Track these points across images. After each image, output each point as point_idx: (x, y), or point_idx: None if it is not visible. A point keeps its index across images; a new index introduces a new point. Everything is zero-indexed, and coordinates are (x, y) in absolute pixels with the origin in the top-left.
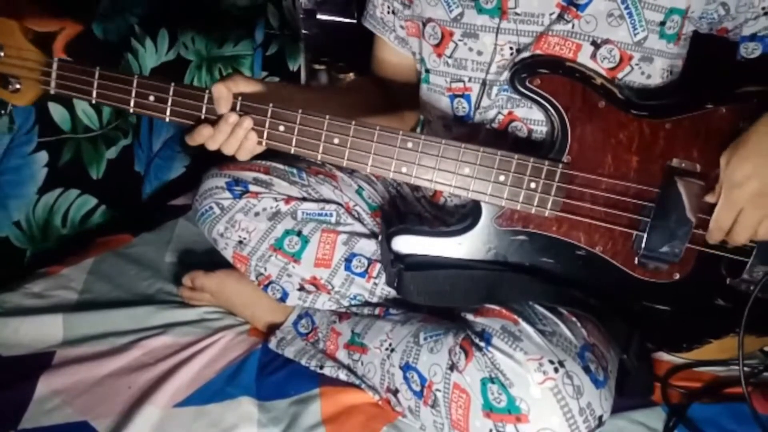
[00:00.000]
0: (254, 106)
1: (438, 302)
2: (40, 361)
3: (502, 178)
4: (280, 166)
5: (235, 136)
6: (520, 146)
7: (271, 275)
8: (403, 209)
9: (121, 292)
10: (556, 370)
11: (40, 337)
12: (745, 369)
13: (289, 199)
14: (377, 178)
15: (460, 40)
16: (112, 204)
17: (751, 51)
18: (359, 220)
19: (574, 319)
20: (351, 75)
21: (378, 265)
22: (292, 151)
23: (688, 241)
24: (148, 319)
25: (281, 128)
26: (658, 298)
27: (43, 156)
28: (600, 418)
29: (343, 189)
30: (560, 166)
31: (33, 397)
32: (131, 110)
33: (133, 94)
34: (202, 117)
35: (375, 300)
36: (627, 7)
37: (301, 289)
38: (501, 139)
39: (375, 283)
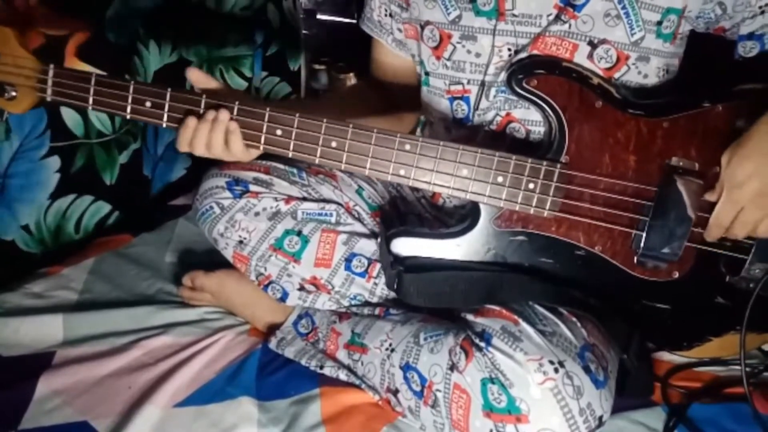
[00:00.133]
0: (251, 110)
1: (438, 304)
2: (40, 361)
3: (500, 179)
4: (281, 166)
5: (216, 131)
6: (518, 147)
7: (271, 275)
8: (404, 209)
9: (121, 292)
10: (556, 370)
11: (40, 337)
12: (747, 369)
13: (289, 198)
14: (377, 179)
15: (458, 43)
16: (124, 209)
17: (748, 50)
18: (359, 220)
19: (574, 319)
20: (351, 75)
21: (378, 265)
22: (290, 155)
23: (687, 239)
24: (148, 319)
25: (278, 132)
26: (657, 296)
27: (55, 161)
28: (600, 418)
29: (343, 189)
30: (558, 166)
31: (33, 397)
32: (128, 116)
33: (130, 101)
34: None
35: (375, 300)
36: (624, 7)
37: (301, 289)
38: (499, 140)
39: (375, 283)
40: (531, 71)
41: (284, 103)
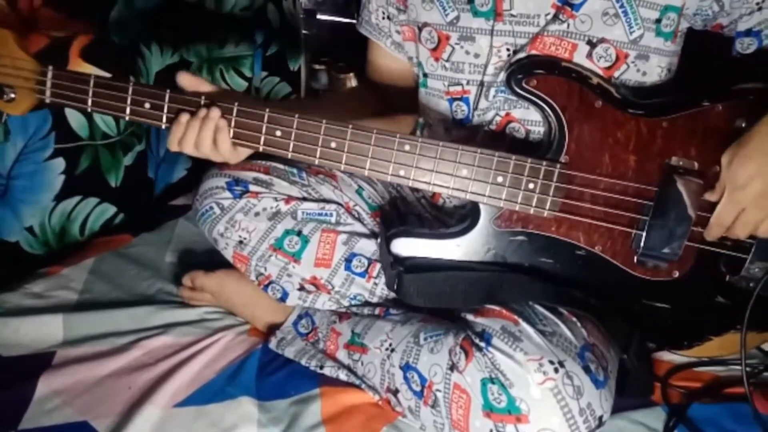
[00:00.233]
0: (251, 111)
1: (438, 304)
2: (41, 361)
3: (500, 179)
4: (280, 166)
5: (206, 129)
6: (518, 147)
7: (272, 275)
8: (404, 210)
9: (121, 292)
10: (556, 370)
11: (40, 337)
12: (746, 369)
13: (289, 198)
14: (377, 179)
15: (456, 44)
16: (129, 211)
17: (746, 46)
18: (359, 220)
19: (574, 319)
20: (351, 75)
21: (378, 265)
22: (290, 156)
23: (687, 238)
24: (148, 319)
25: (278, 133)
26: (657, 296)
27: (59, 163)
28: (600, 418)
29: (343, 189)
30: (558, 166)
31: (33, 397)
32: (127, 118)
33: (129, 102)
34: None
35: (375, 300)
36: (622, 6)
37: (301, 289)
38: (499, 140)
39: (375, 283)
40: (530, 71)
41: (283, 103)
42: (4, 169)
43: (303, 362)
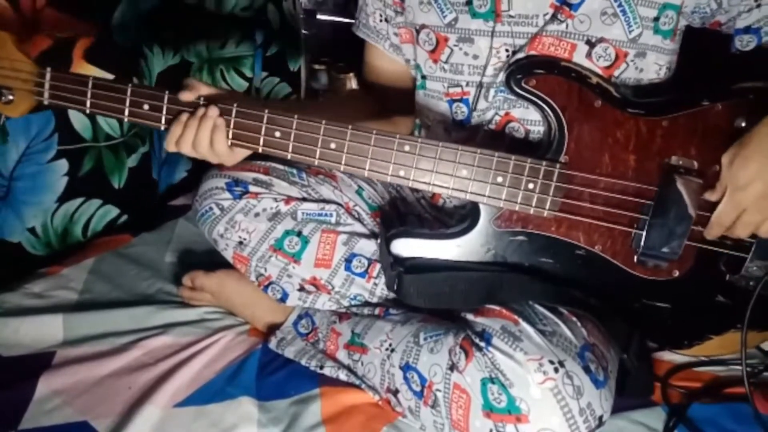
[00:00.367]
0: (250, 112)
1: (438, 304)
2: (40, 361)
3: (500, 179)
4: (280, 167)
5: (203, 129)
6: (518, 147)
7: (272, 276)
8: (403, 210)
9: (121, 292)
10: (556, 370)
11: (40, 337)
12: (747, 369)
13: (288, 199)
14: (377, 180)
15: (455, 45)
16: (132, 213)
17: (745, 44)
18: (359, 220)
19: (574, 319)
20: (351, 75)
21: (378, 265)
22: (289, 157)
23: (687, 238)
24: (148, 319)
25: (277, 134)
26: (658, 295)
27: (62, 164)
28: (600, 418)
29: (343, 189)
30: (558, 166)
31: (33, 397)
32: (126, 119)
33: (127, 104)
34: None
35: (375, 300)
36: (620, 5)
37: (302, 289)
38: (498, 140)
39: (375, 284)
40: (530, 71)
41: (282, 104)
42: (6, 170)
43: (303, 362)
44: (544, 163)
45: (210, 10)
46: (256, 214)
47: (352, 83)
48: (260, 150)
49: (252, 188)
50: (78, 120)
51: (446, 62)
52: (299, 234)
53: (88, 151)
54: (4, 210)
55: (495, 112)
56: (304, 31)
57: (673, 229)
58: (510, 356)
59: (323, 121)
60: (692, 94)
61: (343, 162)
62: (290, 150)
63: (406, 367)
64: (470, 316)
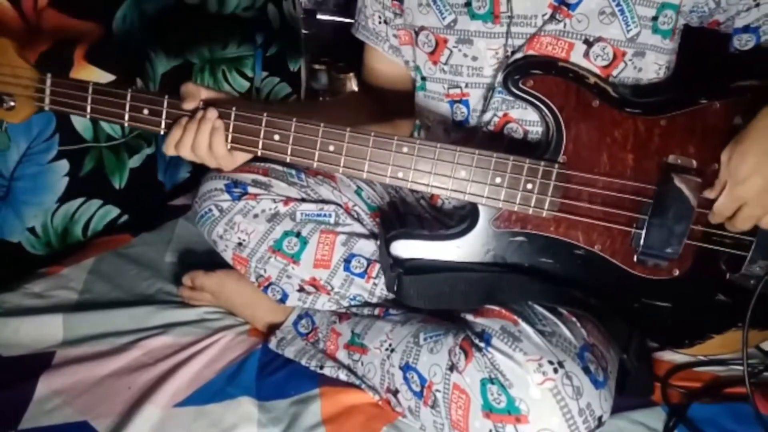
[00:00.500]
0: (248, 115)
1: (438, 305)
2: (40, 361)
3: (498, 179)
4: (279, 168)
5: (202, 131)
6: (517, 148)
7: (271, 277)
8: (403, 210)
9: (121, 292)
10: (555, 370)
11: (40, 337)
12: (747, 369)
13: (287, 200)
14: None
15: (454, 47)
16: (133, 213)
17: (744, 43)
18: (358, 220)
19: (573, 319)
20: (351, 75)
21: (377, 266)
22: (288, 160)
23: (686, 237)
24: (148, 319)
25: (276, 137)
26: (658, 295)
27: (63, 165)
28: (600, 418)
29: (342, 189)
30: (556, 166)
31: (33, 397)
32: (126, 124)
33: (128, 108)
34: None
35: (375, 300)
36: (618, 4)
37: (301, 290)
38: (497, 141)
39: (374, 284)
40: (527, 71)
41: (280, 107)
42: (6, 171)
43: (303, 362)
44: (542, 163)
45: (212, 11)
46: (255, 216)
47: (352, 83)
48: (259, 153)
49: (251, 189)
50: (79, 121)
51: (446, 64)
52: (298, 235)
53: (89, 152)
54: (4, 210)
55: (494, 113)
56: (304, 31)
57: (673, 228)
58: (509, 357)
59: (321, 124)
60: (690, 93)
61: (341, 164)
62: (289, 153)
63: (405, 368)
64: (470, 317)
